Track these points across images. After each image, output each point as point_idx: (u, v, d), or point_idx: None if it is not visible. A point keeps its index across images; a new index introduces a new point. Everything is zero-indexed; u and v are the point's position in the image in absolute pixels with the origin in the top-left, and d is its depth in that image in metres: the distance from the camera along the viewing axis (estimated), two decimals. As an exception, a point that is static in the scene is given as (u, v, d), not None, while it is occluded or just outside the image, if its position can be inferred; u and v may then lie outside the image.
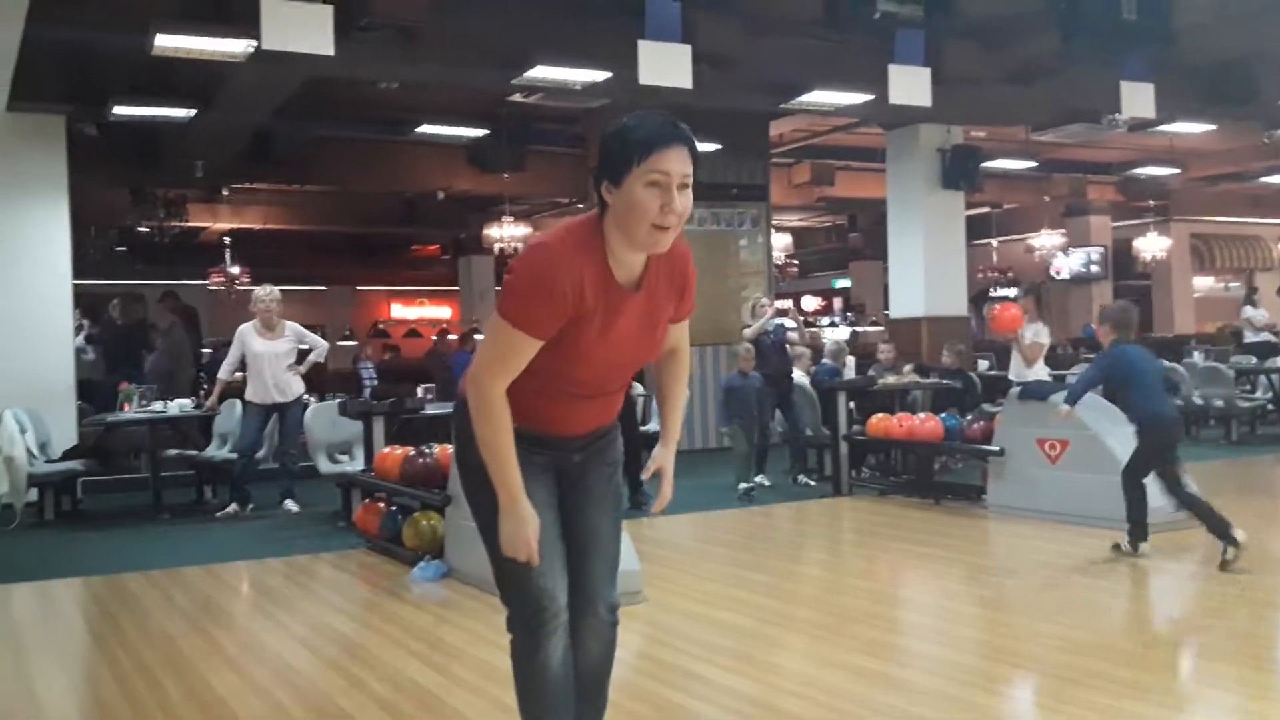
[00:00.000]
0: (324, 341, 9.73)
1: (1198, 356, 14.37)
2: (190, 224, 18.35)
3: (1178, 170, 18.58)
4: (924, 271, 13.25)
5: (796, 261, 25.77)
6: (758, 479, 9.67)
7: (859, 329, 21.91)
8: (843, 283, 26.92)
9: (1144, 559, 6.47)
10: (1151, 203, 21.20)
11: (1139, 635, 5.41)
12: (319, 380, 11.21)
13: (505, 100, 12.07)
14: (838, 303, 26.64)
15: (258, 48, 7.89)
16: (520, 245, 17.05)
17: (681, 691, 4.40)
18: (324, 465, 9.18)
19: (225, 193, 17.51)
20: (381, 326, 25.56)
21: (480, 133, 13.56)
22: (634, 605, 5.52)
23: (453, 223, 20.22)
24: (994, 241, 22.49)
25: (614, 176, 2.62)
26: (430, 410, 8.98)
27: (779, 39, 10.19)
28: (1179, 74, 11.69)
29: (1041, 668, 4.67)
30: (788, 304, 14.07)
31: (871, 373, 11.23)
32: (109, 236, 19.27)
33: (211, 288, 20.10)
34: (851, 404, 9.81)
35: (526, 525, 2.72)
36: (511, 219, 17.78)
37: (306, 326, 9.73)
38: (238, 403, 9.57)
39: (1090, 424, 7.39)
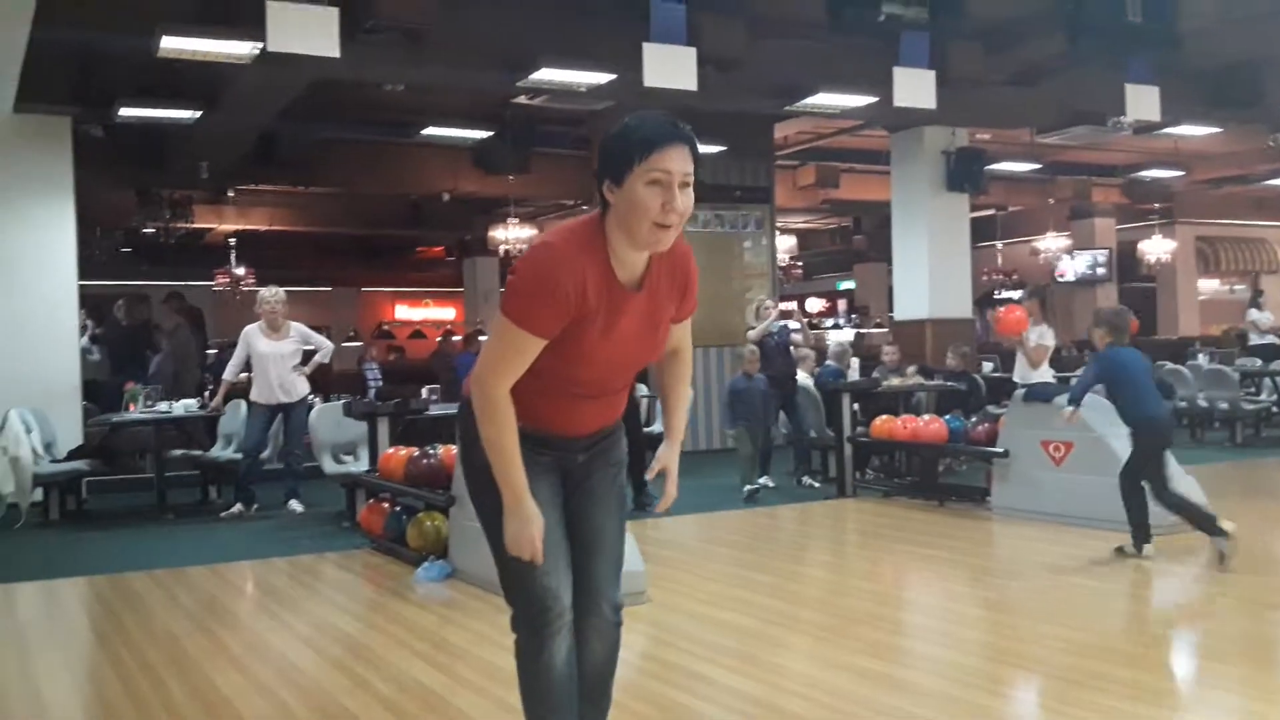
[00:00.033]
0: (329, 342, 9.74)
1: (1202, 359, 14.37)
2: (195, 225, 18.41)
3: (1182, 173, 18.57)
4: (929, 274, 13.24)
5: (801, 263, 25.77)
6: (761, 480, 9.67)
7: (863, 331, 21.92)
8: (847, 285, 26.92)
9: (1148, 561, 6.48)
10: (1156, 205, 21.17)
11: (1142, 637, 5.41)
12: (324, 381, 11.23)
13: (510, 102, 12.10)
14: (842, 305, 26.64)
15: (263, 49, 7.92)
16: (525, 247, 17.05)
17: (685, 692, 4.41)
18: (329, 466, 9.20)
19: (230, 194, 17.53)
20: (386, 328, 25.59)
21: (485, 135, 13.58)
22: (638, 606, 5.53)
23: (458, 224, 20.24)
24: (999, 244, 22.46)
25: (616, 175, 2.64)
26: (435, 411, 8.97)
27: (783, 41, 10.20)
28: (1184, 77, 11.70)
29: (1045, 669, 4.67)
30: (792, 306, 14.05)
31: (876, 374, 11.24)
32: (115, 237, 19.33)
33: (217, 289, 20.16)
34: (856, 406, 9.81)
35: (531, 524, 2.73)
36: (516, 221, 17.79)
37: (312, 328, 9.74)
38: (243, 403, 9.59)
39: (1095, 426, 7.39)
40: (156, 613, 6.09)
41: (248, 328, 9.24)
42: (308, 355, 9.38)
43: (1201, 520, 6.34)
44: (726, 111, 11.47)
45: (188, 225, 17.99)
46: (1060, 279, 21.53)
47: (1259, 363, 14.17)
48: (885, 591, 6.60)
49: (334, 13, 7.90)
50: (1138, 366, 6.68)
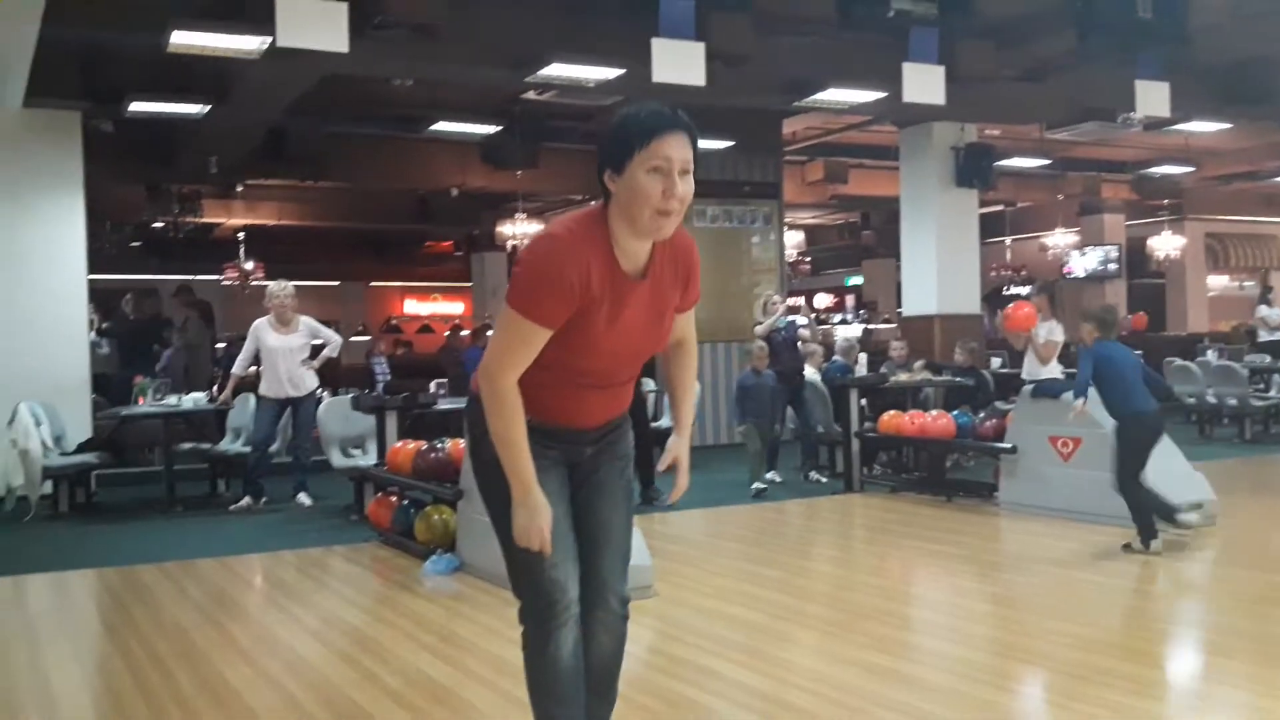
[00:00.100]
0: (338, 336, 9.75)
1: (1211, 355, 14.33)
2: (205, 220, 18.43)
3: (1192, 169, 18.50)
4: (937, 269, 13.22)
5: (809, 259, 25.72)
6: (769, 475, 9.67)
7: (871, 326, 21.90)
8: (855, 280, 26.87)
9: (1155, 556, 6.47)
10: (1166, 201, 21.13)
11: (1149, 633, 5.41)
12: (332, 375, 11.24)
13: (519, 97, 12.09)
14: (850, 300, 26.61)
15: (273, 45, 7.92)
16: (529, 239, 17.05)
17: (692, 686, 4.42)
18: (337, 459, 9.23)
19: (240, 189, 17.54)
20: (394, 322, 25.60)
21: (494, 130, 13.56)
22: (645, 600, 5.54)
23: (466, 219, 20.25)
24: (1008, 240, 22.42)
25: (616, 164, 2.66)
26: (443, 405, 9.02)
27: (792, 37, 10.19)
28: (1194, 73, 11.65)
29: (1052, 665, 4.67)
30: (799, 301, 14.04)
31: (883, 370, 11.24)
32: (124, 232, 19.35)
33: (226, 283, 20.19)
34: (863, 401, 9.81)
35: (539, 515, 2.74)
36: (525, 216, 17.79)
37: (321, 322, 9.76)
38: (251, 397, 9.63)
39: (1103, 422, 7.36)
40: (165, 605, 6.12)
41: (257, 322, 9.26)
42: (317, 349, 9.41)
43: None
44: (735, 107, 11.45)
45: (197, 220, 18.01)
46: (1069, 275, 21.49)
47: (1268, 359, 14.15)
48: (892, 586, 6.61)
49: (343, 8, 7.90)
50: (1126, 362, 6.72)
